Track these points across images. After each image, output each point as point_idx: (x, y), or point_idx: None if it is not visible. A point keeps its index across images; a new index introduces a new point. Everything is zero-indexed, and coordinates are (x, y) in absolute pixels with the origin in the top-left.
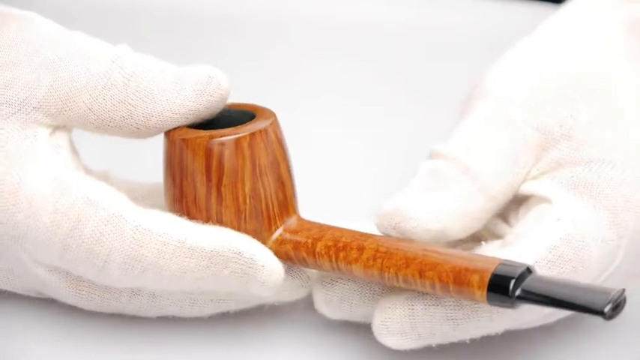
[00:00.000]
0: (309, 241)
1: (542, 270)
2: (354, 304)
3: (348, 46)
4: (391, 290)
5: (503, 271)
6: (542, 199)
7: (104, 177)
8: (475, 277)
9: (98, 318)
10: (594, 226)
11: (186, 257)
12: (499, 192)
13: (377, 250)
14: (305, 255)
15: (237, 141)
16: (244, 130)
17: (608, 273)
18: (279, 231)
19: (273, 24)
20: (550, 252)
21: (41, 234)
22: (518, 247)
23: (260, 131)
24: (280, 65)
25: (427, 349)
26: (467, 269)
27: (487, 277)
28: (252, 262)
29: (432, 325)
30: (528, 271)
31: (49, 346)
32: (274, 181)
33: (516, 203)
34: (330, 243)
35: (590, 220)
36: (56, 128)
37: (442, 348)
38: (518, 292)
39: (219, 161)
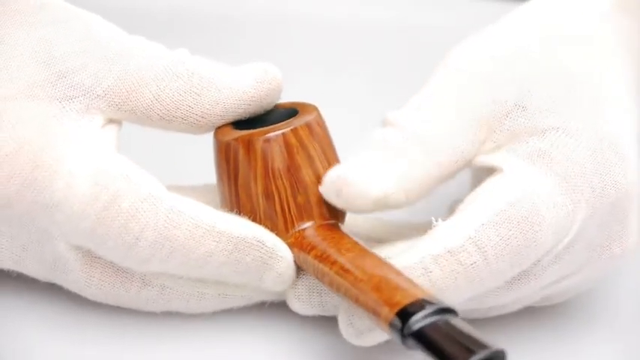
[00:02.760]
0: (309, 248)
1: (489, 233)
2: (323, 295)
3: (348, 47)
4: None
5: (409, 311)
6: (496, 170)
7: None
8: (384, 311)
9: (102, 312)
10: (545, 192)
11: (214, 241)
12: (447, 159)
13: (341, 268)
14: (302, 261)
15: (249, 142)
16: (257, 134)
17: (567, 240)
18: (293, 233)
19: (273, 24)
20: (497, 215)
21: (77, 204)
22: (465, 213)
23: (277, 136)
24: (281, 66)
25: None
26: (380, 301)
27: (390, 316)
28: (273, 252)
29: None
30: (445, 312)
31: (51, 342)
32: (291, 185)
33: (477, 180)
34: (319, 253)
35: (541, 185)
36: (109, 121)
37: None
38: (410, 334)
39: (235, 160)
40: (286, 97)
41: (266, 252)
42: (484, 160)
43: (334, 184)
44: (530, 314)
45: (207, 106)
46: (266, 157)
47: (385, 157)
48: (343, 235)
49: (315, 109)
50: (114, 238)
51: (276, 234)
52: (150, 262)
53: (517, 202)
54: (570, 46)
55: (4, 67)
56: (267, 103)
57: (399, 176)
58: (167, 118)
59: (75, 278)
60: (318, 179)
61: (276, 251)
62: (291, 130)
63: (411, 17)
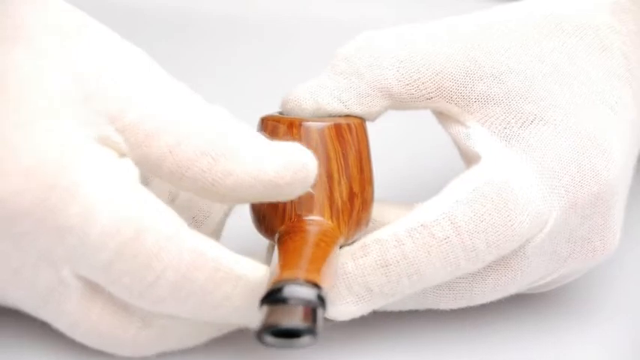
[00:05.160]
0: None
1: (463, 209)
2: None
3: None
4: None
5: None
6: (477, 157)
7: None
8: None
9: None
10: (519, 173)
11: (232, 285)
12: (392, 77)
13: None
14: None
15: (275, 126)
16: (288, 120)
17: (548, 229)
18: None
19: (274, 25)
20: (471, 193)
21: (96, 234)
22: (442, 194)
23: (302, 126)
24: (281, 66)
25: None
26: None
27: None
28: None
29: (364, 279)
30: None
31: None
32: None
33: None
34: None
35: (516, 167)
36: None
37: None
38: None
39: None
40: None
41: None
42: (465, 142)
43: (283, 100)
44: (516, 303)
45: (220, 175)
46: (281, 138)
47: (330, 72)
48: (319, 237)
49: (359, 120)
50: (131, 275)
51: (273, 220)
52: (165, 303)
53: (492, 180)
54: (561, 37)
55: (37, 78)
56: (289, 192)
57: (335, 88)
58: (177, 174)
59: (70, 310)
60: (330, 179)
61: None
62: (315, 124)
63: (412, 18)
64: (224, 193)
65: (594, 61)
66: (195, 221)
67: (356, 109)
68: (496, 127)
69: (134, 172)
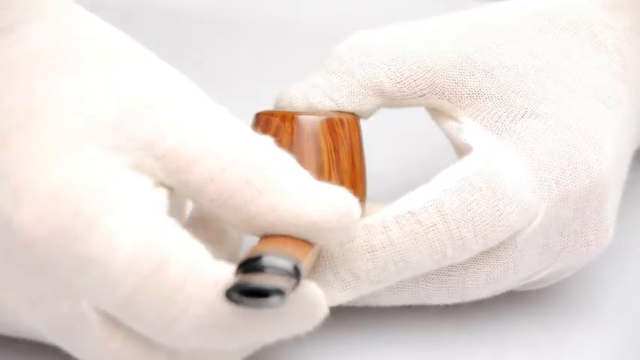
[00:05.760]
0: None
1: (450, 197)
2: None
3: None
4: None
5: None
6: (469, 149)
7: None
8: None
9: None
10: (509, 164)
11: (256, 316)
12: (384, 77)
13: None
14: None
15: (268, 119)
16: (279, 113)
17: (538, 221)
18: None
19: (274, 26)
20: (459, 181)
21: (116, 267)
22: (431, 182)
23: (293, 117)
24: (281, 67)
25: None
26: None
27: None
28: (314, 302)
29: (351, 264)
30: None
31: None
32: None
33: None
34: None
35: (506, 158)
36: (161, 184)
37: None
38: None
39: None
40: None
41: (307, 306)
42: (456, 135)
43: (276, 99)
44: (514, 301)
45: (263, 208)
46: (277, 134)
47: (322, 71)
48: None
49: (353, 116)
50: (153, 310)
51: None
52: (190, 340)
53: (481, 170)
54: (555, 32)
55: (72, 100)
56: (329, 237)
57: (327, 87)
58: (217, 203)
59: (91, 344)
60: (320, 172)
61: (316, 304)
62: (307, 117)
63: (407, 17)
64: (264, 227)
65: (588, 56)
66: (213, 243)
67: (347, 108)
68: (488, 121)
69: (164, 203)
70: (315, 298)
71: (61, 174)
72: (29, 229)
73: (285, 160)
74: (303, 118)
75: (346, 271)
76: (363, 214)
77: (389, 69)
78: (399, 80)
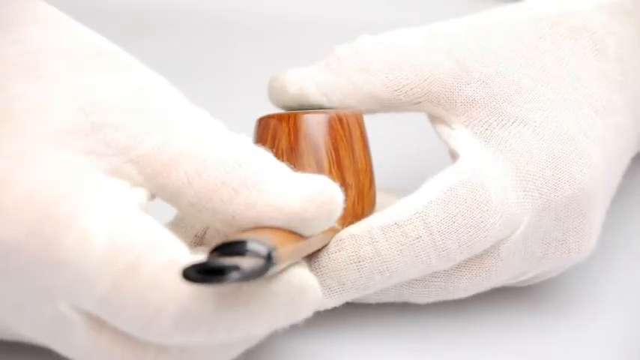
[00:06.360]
0: None
1: (436, 209)
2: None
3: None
4: None
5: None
6: (457, 154)
7: None
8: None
9: None
10: (494, 175)
11: (237, 306)
12: (380, 82)
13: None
14: None
15: (267, 121)
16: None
17: (521, 230)
18: None
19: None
20: (445, 193)
21: (91, 267)
22: (417, 192)
23: (289, 117)
24: (280, 67)
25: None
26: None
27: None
28: (302, 288)
29: (338, 273)
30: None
31: None
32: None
33: None
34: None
35: (491, 168)
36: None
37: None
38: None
39: (257, 136)
40: None
41: (294, 288)
42: (447, 139)
43: (270, 78)
44: (507, 299)
45: (242, 207)
46: (275, 136)
47: (322, 66)
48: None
49: (354, 113)
50: (130, 309)
51: None
52: (174, 336)
53: (466, 180)
54: (555, 39)
55: (41, 107)
56: (313, 225)
57: (322, 82)
58: (197, 206)
59: (79, 344)
60: (320, 170)
61: (304, 284)
62: (304, 115)
63: (413, 19)
64: (246, 225)
65: (587, 63)
66: (197, 237)
67: (339, 108)
68: (478, 129)
69: (143, 202)
70: (303, 282)
71: (30, 179)
72: (1, 235)
73: (261, 156)
74: (300, 118)
75: (333, 279)
76: (372, 210)
77: (386, 77)
78: (396, 88)
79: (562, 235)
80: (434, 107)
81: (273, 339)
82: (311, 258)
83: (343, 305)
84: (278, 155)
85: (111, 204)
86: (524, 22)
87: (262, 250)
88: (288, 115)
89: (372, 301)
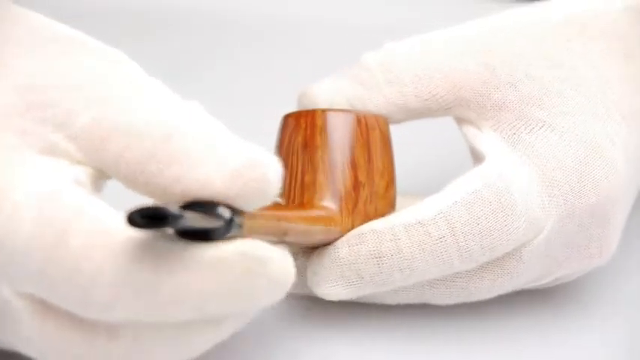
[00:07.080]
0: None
1: (460, 210)
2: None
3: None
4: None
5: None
6: (482, 157)
7: None
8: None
9: None
10: (520, 179)
11: (189, 271)
12: (410, 93)
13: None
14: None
15: (288, 116)
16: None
17: (544, 235)
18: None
19: (274, 27)
20: (470, 194)
21: (20, 241)
22: (442, 192)
23: (307, 113)
24: (281, 67)
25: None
26: None
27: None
28: (259, 259)
29: (357, 266)
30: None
31: None
32: (303, 163)
33: None
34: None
35: (518, 172)
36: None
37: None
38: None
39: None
40: (289, 101)
41: (252, 261)
42: (473, 141)
43: (299, 94)
44: (513, 300)
45: (170, 180)
46: (293, 131)
47: (345, 74)
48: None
49: (374, 116)
50: (65, 283)
51: (284, 204)
52: (114, 310)
53: (492, 184)
54: (584, 41)
55: None
56: (242, 204)
57: (352, 96)
58: (131, 179)
59: (25, 332)
60: (332, 165)
61: (260, 256)
62: (322, 112)
63: (414, 20)
64: (178, 199)
65: (617, 67)
66: None
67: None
68: (506, 133)
69: (77, 178)
70: (260, 253)
71: None
72: None
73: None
74: (317, 114)
75: (352, 271)
76: (389, 211)
77: (415, 87)
78: (427, 98)
79: (585, 241)
80: (464, 111)
81: (273, 339)
82: (331, 248)
83: (350, 306)
84: (292, 149)
85: (42, 181)
86: (551, 22)
87: (226, 214)
88: (307, 112)
89: (392, 302)
